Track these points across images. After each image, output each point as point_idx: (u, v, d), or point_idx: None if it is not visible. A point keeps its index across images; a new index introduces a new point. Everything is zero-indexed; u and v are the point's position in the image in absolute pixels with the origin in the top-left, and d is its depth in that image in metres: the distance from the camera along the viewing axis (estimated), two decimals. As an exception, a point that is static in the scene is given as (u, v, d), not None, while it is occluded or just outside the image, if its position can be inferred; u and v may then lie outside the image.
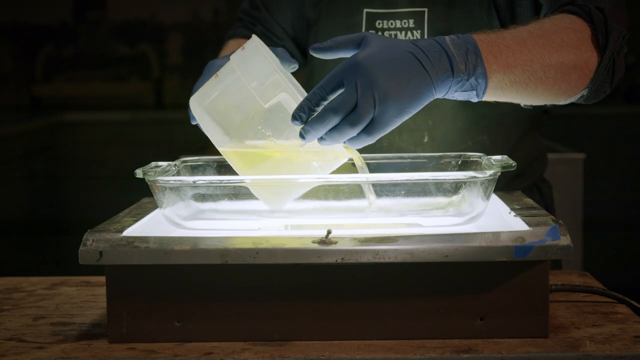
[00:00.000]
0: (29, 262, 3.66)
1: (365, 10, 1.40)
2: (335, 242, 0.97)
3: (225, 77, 1.08)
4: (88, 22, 4.72)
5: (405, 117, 1.03)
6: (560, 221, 1.01)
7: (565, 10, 1.21)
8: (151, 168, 1.12)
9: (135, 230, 1.06)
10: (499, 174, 1.06)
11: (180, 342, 1.00)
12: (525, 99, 1.17)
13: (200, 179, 1.08)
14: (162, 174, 1.09)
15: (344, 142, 1.04)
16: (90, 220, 1.19)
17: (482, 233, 0.99)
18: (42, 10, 4.58)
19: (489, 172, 1.05)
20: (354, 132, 1.02)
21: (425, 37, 1.37)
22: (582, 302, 1.14)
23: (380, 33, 1.37)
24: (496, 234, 0.98)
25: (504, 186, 1.37)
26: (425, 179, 1.09)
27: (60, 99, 4.49)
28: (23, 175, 3.83)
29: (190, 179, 1.10)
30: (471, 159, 1.21)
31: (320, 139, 1.03)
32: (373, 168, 1.24)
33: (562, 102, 1.26)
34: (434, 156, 1.25)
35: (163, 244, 0.99)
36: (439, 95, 1.05)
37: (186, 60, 4.95)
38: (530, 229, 0.99)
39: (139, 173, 1.08)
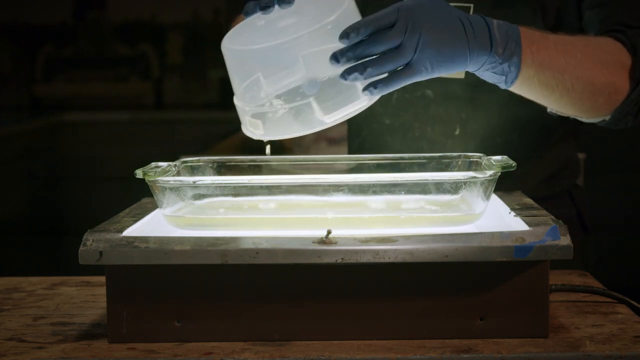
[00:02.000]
0: (29, 262, 3.66)
1: None
2: (335, 242, 0.97)
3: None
4: (88, 22, 4.72)
5: (435, 75, 1.05)
6: (560, 221, 1.01)
7: (613, 35, 1.24)
8: (151, 168, 1.12)
9: (135, 230, 1.06)
10: (499, 174, 1.06)
11: (180, 342, 1.00)
12: (549, 103, 1.21)
13: (201, 179, 1.08)
14: (162, 174, 1.09)
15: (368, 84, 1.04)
16: (90, 220, 1.19)
17: (482, 233, 0.99)
18: (42, 10, 4.59)
19: (489, 173, 1.05)
20: (388, 68, 1.02)
21: None
22: (582, 302, 1.14)
23: None
24: (496, 234, 0.98)
25: (532, 189, 1.32)
26: (425, 179, 1.09)
27: (60, 99, 4.49)
28: (23, 175, 3.83)
29: (190, 179, 1.10)
30: (471, 159, 1.21)
31: (350, 70, 1.02)
32: (373, 168, 1.24)
33: (584, 119, 1.28)
34: (434, 156, 1.25)
35: (163, 244, 0.99)
36: (471, 67, 1.08)
37: (186, 60, 4.96)
38: (530, 229, 0.99)
39: (139, 173, 1.08)
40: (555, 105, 1.21)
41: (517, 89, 1.14)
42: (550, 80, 1.15)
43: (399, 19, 1.03)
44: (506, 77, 1.11)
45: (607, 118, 1.26)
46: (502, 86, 1.13)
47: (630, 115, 1.26)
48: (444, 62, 1.04)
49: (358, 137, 1.51)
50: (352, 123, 1.51)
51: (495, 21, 1.09)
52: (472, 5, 1.34)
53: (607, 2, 1.30)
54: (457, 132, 1.40)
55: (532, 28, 1.14)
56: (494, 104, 1.38)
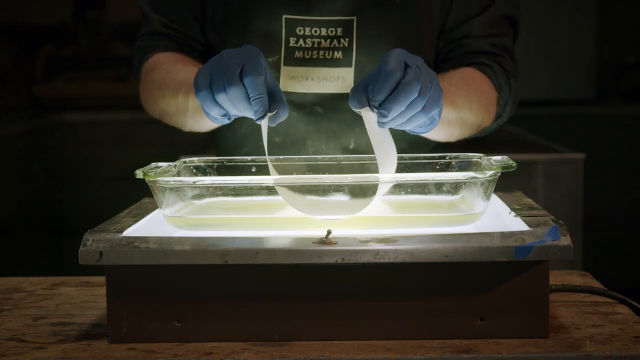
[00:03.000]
0: (29, 262, 3.66)
1: (284, 16, 1.37)
2: (335, 243, 0.97)
3: None
4: (88, 22, 4.72)
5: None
6: (560, 221, 1.01)
7: (485, 71, 1.40)
8: (151, 168, 1.12)
9: (135, 230, 1.06)
10: (499, 174, 1.06)
11: (180, 342, 1.00)
12: (440, 136, 1.36)
13: (200, 179, 1.08)
14: (162, 174, 1.09)
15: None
16: (90, 220, 1.19)
17: (482, 233, 0.99)
18: (42, 10, 4.58)
19: (489, 173, 1.05)
20: (422, 104, 1.06)
21: (354, 45, 1.37)
22: (582, 302, 1.14)
23: (301, 40, 1.37)
24: (496, 234, 0.98)
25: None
26: (425, 180, 1.09)
27: (60, 99, 4.48)
28: (23, 175, 3.82)
29: (190, 179, 1.10)
30: (471, 159, 1.21)
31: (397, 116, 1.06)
32: (373, 169, 1.24)
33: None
34: (434, 156, 1.25)
35: (163, 244, 0.99)
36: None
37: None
38: (530, 229, 0.99)
39: (139, 173, 1.08)
40: (446, 137, 1.36)
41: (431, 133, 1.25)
42: (454, 116, 1.28)
43: (407, 60, 1.05)
44: (431, 124, 1.15)
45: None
46: (423, 131, 1.17)
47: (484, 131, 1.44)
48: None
49: (240, 152, 1.48)
50: (235, 137, 1.49)
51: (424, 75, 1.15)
52: (355, 18, 1.36)
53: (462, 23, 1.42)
54: (351, 146, 1.43)
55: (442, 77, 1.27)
56: None
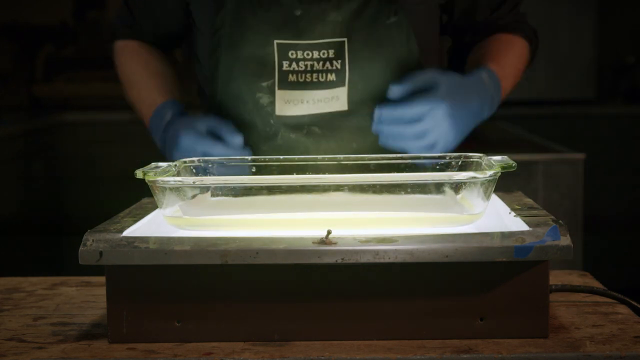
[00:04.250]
0: (29, 262, 3.66)
1: (276, 41, 1.38)
2: (335, 243, 0.97)
3: None
4: (88, 22, 4.71)
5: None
6: (560, 221, 1.01)
7: (511, 31, 1.52)
8: (151, 168, 1.12)
9: (135, 230, 1.06)
10: (499, 174, 1.06)
11: (180, 342, 1.00)
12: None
13: (200, 179, 1.08)
14: (162, 174, 1.09)
15: None
16: (90, 220, 1.19)
17: (482, 233, 0.99)
18: (42, 10, 4.58)
19: (489, 173, 1.05)
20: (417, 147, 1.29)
21: (347, 66, 1.38)
22: (582, 302, 1.14)
23: (294, 64, 1.38)
24: (496, 234, 0.98)
25: None
26: (425, 180, 1.09)
27: (60, 99, 4.48)
28: (23, 175, 3.82)
29: (190, 179, 1.10)
30: (471, 159, 1.21)
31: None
32: (373, 168, 1.24)
33: None
34: (434, 156, 1.25)
35: (163, 244, 0.99)
36: None
37: (186, 60, 4.94)
38: (530, 229, 0.99)
39: (139, 173, 1.08)
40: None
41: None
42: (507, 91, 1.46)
43: (428, 116, 1.28)
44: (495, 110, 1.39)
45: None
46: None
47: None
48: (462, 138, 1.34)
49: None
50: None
51: (490, 83, 1.38)
52: (346, 39, 1.37)
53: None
54: None
55: (494, 65, 1.41)
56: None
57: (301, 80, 1.38)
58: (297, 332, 1.00)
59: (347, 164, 1.25)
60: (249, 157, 1.26)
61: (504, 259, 0.97)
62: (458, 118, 1.29)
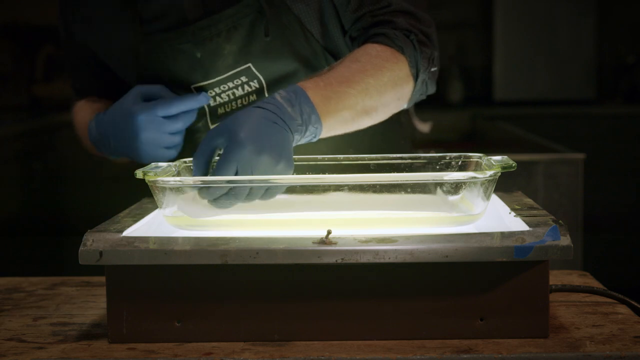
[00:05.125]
0: (29, 262, 3.65)
1: (193, 86, 1.41)
2: (335, 243, 0.97)
3: None
4: (88, 22, 4.71)
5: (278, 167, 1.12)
6: (560, 221, 1.01)
7: (379, 41, 1.33)
8: (151, 168, 1.12)
9: (135, 230, 1.06)
10: (499, 174, 1.06)
11: (180, 342, 1.00)
12: (358, 128, 1.30)
13: (200, 179, 1.08)
14: (162, 174, 1.09)
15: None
16: (90, 220, 1.19)
17: (482, 233, 0.99)
18: (42, 10, 4.58)
19: (489, 173, 1.05)
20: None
21: (264, 83, 1.40)
22: (582, 302, 1.14)
23: (218, 98, 1.41)
24: (496, 234, 0.98)
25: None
26: (426, 180, 1.09)
27: (60, 99, 4.47)
28: (23, 175, 3.82)
29: (190, 179, 1.10)
30: (471, 159, 1.21)
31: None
32: (373, 168, 1.24)
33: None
34: (434, 156, 1.25)
35: (163, 244, 0.99)
36: (294, 144, 1.16)
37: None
38: (530, 229, 0.99)
39: (139, 173, 1.08)
40: (363, 126, 1.31)
41: (326, 134, 1.23)
42: (349, 116, 1.25)
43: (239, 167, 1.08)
44: (315, 134, 1.20)
45: (406, 105, 1.39)
46: (315, 140, 1.21)
47: (422, 95, 1.40)
48: (278, 164, 1.11)
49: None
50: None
51: (280, 99, 1.15)
52: (250, 64, 1.39)
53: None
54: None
55: (314, 78, 1.23)
56: None
57: (228, 109, 1.42)
58: (297, 332, 1.00)
59: (347, 164, 1.25)
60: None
61: (504, 259, 0.97)
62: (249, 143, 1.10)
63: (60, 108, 4.37)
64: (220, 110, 1.42)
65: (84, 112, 1.56)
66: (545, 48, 4.31)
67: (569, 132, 3.94)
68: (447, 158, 1.24)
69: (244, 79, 1.40)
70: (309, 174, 1.23)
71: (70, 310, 1.16)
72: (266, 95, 1.40)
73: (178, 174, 1.18)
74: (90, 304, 1.18)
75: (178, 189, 1.08)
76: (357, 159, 1.25)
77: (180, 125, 1.34)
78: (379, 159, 1.25)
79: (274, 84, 1.41)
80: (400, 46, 1.32)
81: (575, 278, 1.25)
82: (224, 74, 1.40)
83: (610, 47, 4.50)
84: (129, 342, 1.01)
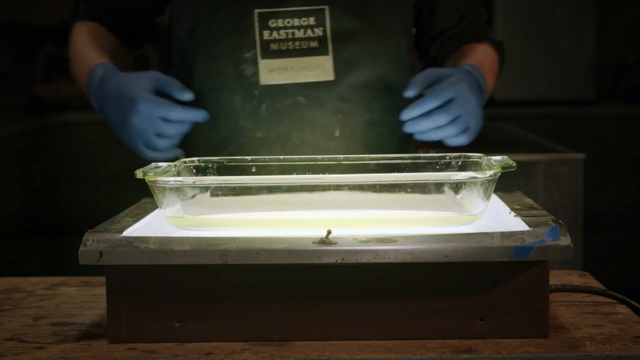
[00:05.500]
0: (29, 262, 3.66)
1: (257, 10, 1.39)
2: (335, 243, 0.97)
3: None
4: (88, 22, 4.71)
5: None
6: (560, 221, 1.01)
7: (485, 39, 1.55)
8: (151, 168, 1.12)
9: (135, 230, 1.06)
10: (499, 174, 1.06)
11: (180, 342, 1.00)
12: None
13: (200, 179, 1.08)
14: (162, 174, 1.09)
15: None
16: (90, 220, 1.19)
17: (482, 233, 0.99)
18: (42, 10, 4.58)
19: (489, 173, 1.05)
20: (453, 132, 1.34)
21: (328, 34, 1.40)
22: (582, 302, 1.14)
23: (275, 32, 1.39)
24: (496, 234, 0.98)
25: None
26: (426, 180, 1.09)
27: (60, 99, 4.48)
28: (23, 175, 3.82)
29: (190, 179, 1.10)
30: (471, 159, 1.21)
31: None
32: (373, 168, 1.24)
33: None
34: (434, 156, 1.25)
35: (163, 244, 0.99)
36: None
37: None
38: (530, 229, 0.99)
39: (139, 173, 1.08)
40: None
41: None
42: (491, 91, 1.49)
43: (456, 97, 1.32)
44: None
45: None
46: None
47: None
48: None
49: (223, 152, 1.50)
50: (214, 140, 1.51)
51: (478, 74, 1.40)
52: (326, 7, 1.39)
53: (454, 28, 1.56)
54: (337, 134, 1.45)
55: (474, 61, 1.43)
56: (364, 100, 1.46)
57: (283, 48, 1.40)
58: (297, 332, 1.00)
59: (347, 164, 1.25)
60: (249, 157, 1.25)
61: (504, 259, 0.97)
62: (478, 94, 1.35)
63: (60, 108, 4.38)
64: (273, 47, 1.40)
65: (85, 42, 1.50)
66: (545, 48, 4.31)
67: (569, 132, 3.94)
68: (447, 158, 1.24)
69: (311, 20, 1.38)
70: (309, 174, 1.23)
71: (70, 310, 1.16)
72: (329, 47, 1.40)
73: (178, 174, 1.18)
74: (90, 304, 1.18)
75: (178, 189, 1.08)
76: (357, 159, 1.25)
77: (172, 130, 1.34)
78: (379, 159, 1.25)
79: (336, 41, 1.39)
80: (497, 48, 1.55)
81: (575, 278, 1.25)
82: (296, 6, 1.38)
83: (610, 47, 4.50)
84: (129, 342, 1.01)
